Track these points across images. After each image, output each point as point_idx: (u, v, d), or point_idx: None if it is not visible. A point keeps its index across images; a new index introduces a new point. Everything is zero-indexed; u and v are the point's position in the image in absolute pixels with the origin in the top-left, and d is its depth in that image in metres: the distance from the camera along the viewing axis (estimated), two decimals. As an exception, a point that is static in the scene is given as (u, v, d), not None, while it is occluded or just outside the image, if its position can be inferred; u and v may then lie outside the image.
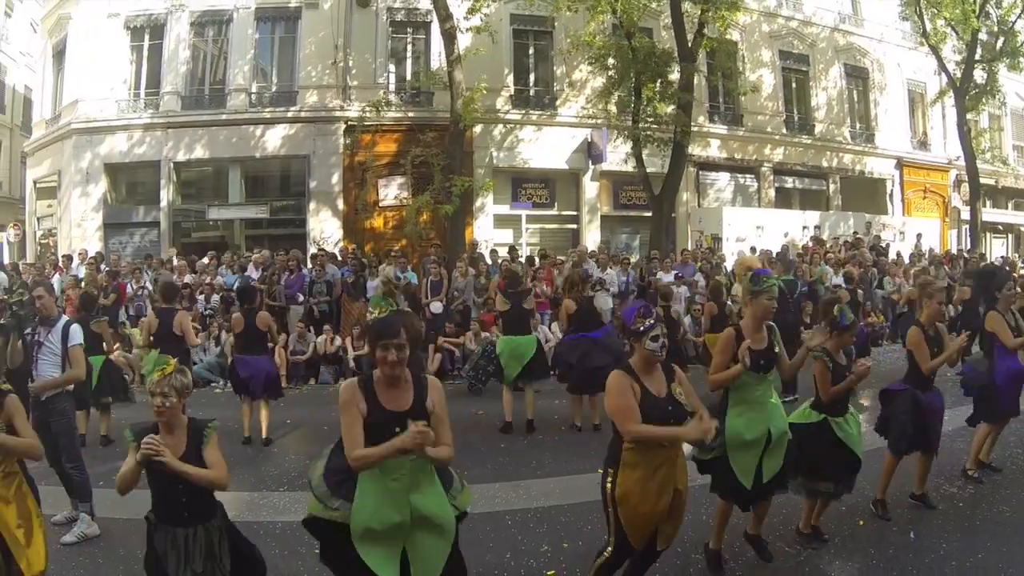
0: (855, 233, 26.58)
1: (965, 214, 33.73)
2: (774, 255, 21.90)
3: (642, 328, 5.25)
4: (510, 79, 27.07)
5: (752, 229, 25.59)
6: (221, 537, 4.97)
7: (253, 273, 19.20)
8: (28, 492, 5.36)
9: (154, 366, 4.87)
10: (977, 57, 30.63)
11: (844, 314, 6.96)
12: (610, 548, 5.41)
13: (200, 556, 4.78)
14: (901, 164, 33.70)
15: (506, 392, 12.11)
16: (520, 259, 19.95)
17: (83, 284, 16.51)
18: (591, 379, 10.89)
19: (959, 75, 30.92)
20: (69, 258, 21.73)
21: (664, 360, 5.42)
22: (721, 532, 6.67)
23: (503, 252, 21.85)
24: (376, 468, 4.62)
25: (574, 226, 27.88)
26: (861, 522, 7.57)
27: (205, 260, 20.58)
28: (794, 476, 6.87)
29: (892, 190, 33.61)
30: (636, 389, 5.21)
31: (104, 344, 12.22)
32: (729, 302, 15.12)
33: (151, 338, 11.84)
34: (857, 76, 33.49)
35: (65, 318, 8.21)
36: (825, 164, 32.01)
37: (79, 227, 25.87)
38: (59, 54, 28.23)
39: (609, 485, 5.30)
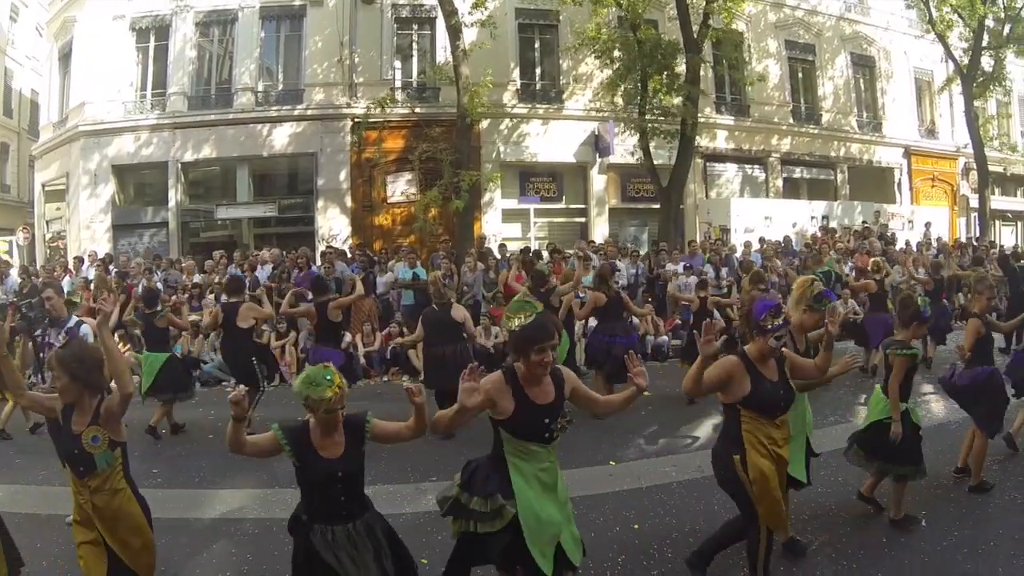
0: (864, 223, 26.52)
1: (974, 202, 33.62)
2: (782, 245, 22.01)
3: (770, 327, 5.61)
4: (516, 73, 27.03)
5: (760, 220, 25.58)
6: (383, 530, 5.07)
7: (264, 271, 19.25)
8: (137, 509, 5.36)
9: (320, 384, 4.68)
10: (984, 44, 30.51)
11: (926, 308, 7.35)
12: (762, 532, 5.72)
13: (365, 549, 4.85)
14: (909, 153, 33.59)
15: None
16: (542, 255, 19.92)
17: (92, 287, 16.52)
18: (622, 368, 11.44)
19: (966, 62, 30.79)
20: (80, 260, 21.78)
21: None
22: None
23: (512, 247, 21.88)
24: (522, 459, 5.01)
25: (582, 219, 27.83)
26: (871, 510, 7.58)
27: (214, 258, 20.54)
28: (883, 463, 7.35)
29: (900, 179, 33.52)
30: (744, 375, 5.63)
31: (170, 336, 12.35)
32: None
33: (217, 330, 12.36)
34: (864, 65, 33.35)
35: (75, 318, 8.22)
36: (833, 154, 31.92)
37: (88, 229, 25.89)
38: (65, 57, 28.25)
39: (740, 469, 5.65)
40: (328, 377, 4.68)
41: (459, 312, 11.99)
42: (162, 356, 11.79)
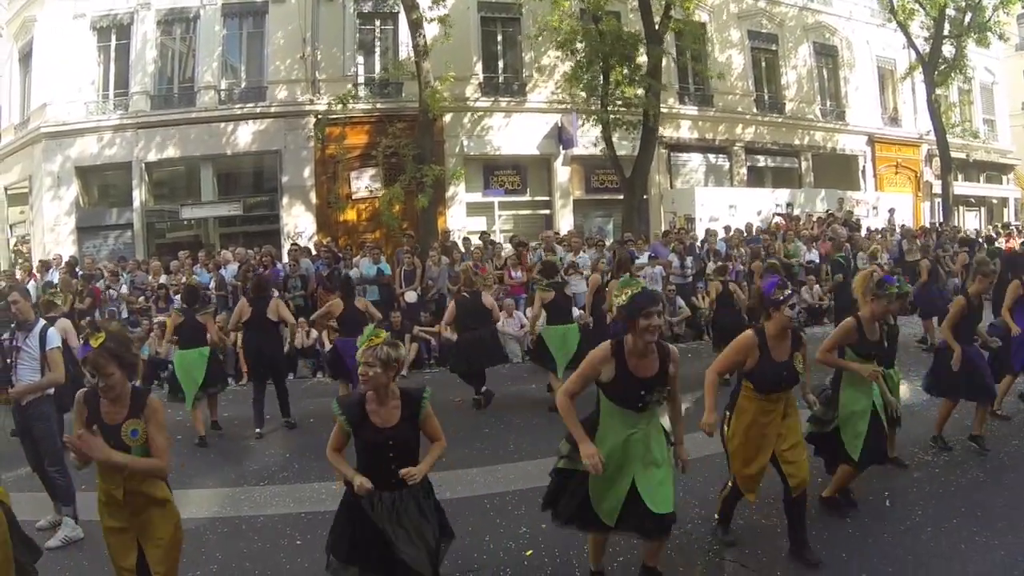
0: (828, 210, 26.70)
1: (937, 188, 33.98)
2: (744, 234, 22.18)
3: (782, 298, 6.06)
4: (479, 67, 27.05)
5: (725, 208, 25.75)
6: (427, 496, 5.28)
7: (229, 270, 19.17)
8: (170, 496, 5.19)
9: (366, 339, 5.06)
10: (945, 33, 30.86)
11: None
12: (729, 484, 6.59)
13: (409, 514, 5.03)
14: (872, 140, 33.91)
15: (553, 378, 12.55)
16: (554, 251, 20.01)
17: (58, 289, 16.33)
18: None
19: (927, 51, 31.11)
20: (45, 263, 21.53)
21: (795, 329, 6.33)
22: (837, 487, 7.34)
23: (475, 241, 21.89)
24: (617, 423, 5.54)
25: (547, 211, 27.90)
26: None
27: (179, 259, 20.39)
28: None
29: (864, 166, 33.84)
30: (756, 349, 6.13)
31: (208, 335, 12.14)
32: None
33: (241, 324, 12.58)
34: (826, 54, 33.63)
35: (42, 322, 8.12)
36: (797, 142, 32.15)
37: (52, 232, 25.62)
38: (25, 57, 27.88)
39: (725, 426, 6.38)
40: (371, 336, 5.06)
41: (488, 299, 13.18)
42: (206, 350, 11.66)
